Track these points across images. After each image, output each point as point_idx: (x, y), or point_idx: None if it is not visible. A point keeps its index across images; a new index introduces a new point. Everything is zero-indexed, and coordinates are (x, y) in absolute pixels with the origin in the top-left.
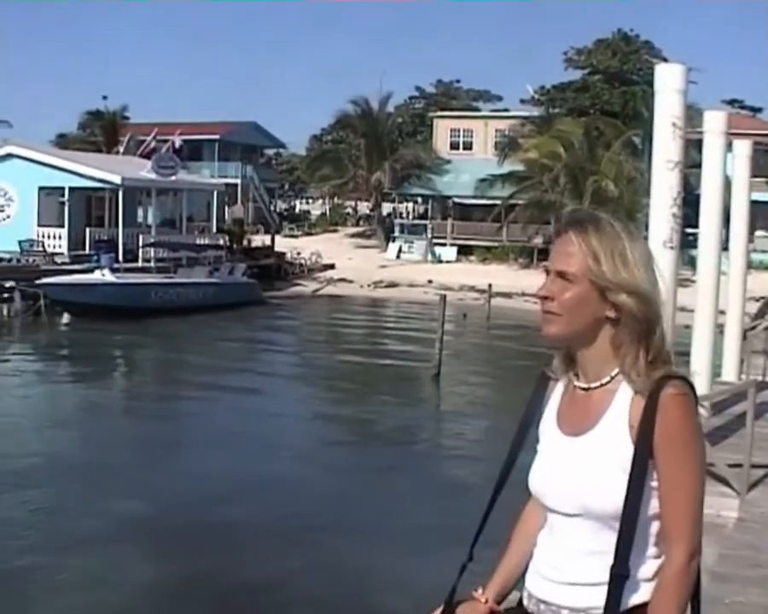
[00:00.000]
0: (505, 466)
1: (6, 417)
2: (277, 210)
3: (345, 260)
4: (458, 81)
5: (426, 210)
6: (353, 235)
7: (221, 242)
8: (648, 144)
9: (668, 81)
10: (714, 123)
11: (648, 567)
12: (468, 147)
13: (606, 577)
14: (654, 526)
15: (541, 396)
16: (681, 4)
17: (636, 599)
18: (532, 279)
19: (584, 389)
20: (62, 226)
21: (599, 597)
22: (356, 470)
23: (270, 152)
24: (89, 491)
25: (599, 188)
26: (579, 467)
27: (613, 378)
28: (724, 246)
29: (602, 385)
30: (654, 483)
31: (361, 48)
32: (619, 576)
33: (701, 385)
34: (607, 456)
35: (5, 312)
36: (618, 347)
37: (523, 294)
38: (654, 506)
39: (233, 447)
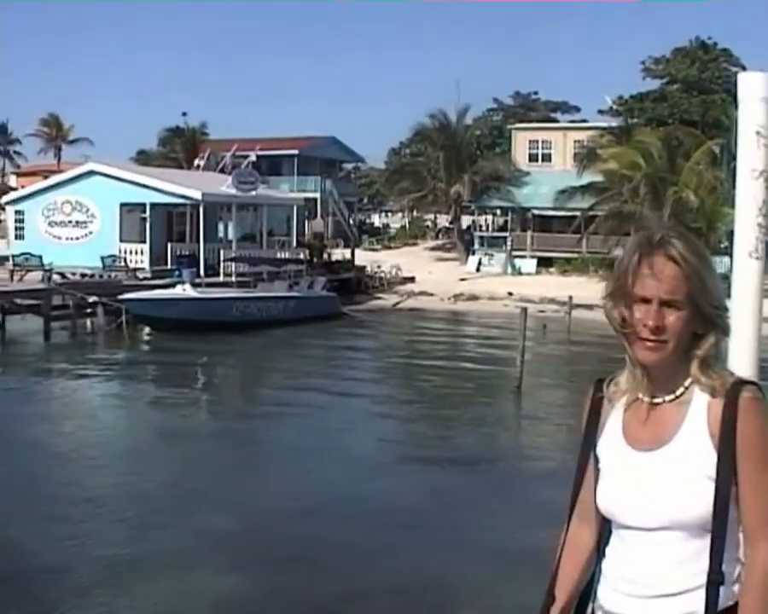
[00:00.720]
0: (574, 493)
1: (91, 429)
2: (356, 223)
3: (425, 273)
4: (536, 92)
5: (505, 222)
6: (433, 248)
7: (301, 256)
8: (728, 153)
9: (751, 89)
10: None
11: (735, 570)
12: (546, 158)
13: (689, 585)
14: (737, 530)
15: (597, 415)
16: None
17: (727, 602)
18: None
19: (655, 403)
20: (144, 242)
21: (684, 605)
22: (436, 483)
23: (349, 166)
24: (171, 504)
25: (679, 199)
26: (662, 481)
27: (686, 389)
28: None
29: (676, 398)
30: (734, 488)
31: (437, 60)
32: (716, 582)
33: None
34: (691, 466)
35: (88, 327)
36: (701, 359)
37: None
38: (736, 509)
39: (314, 460)
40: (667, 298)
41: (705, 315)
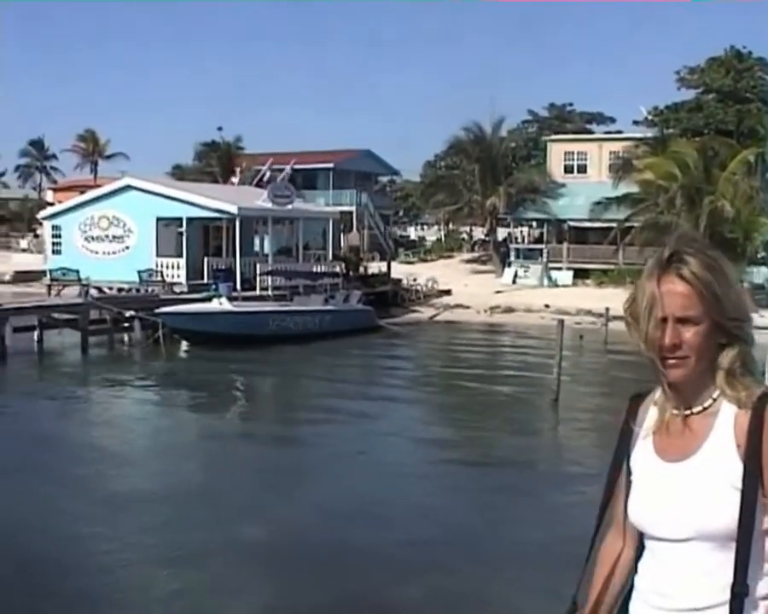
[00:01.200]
0: (603, 504)
1: (129, 443)
2: (392, 236)
3: (461, 286)
4: (571, 104)
5: (541, 234)
6: (469, 261)
7: (337, 270)
8: (763, 162)
9: None
10: None
11: (762, 584)
12: (582, 170)
13: (718, 598)
14: (763, 542)
15: (631, 428)
16: None
17: None
18: None
19: (684, 415)
20: (180, 256)
21: None
22: (474, 494)
23: (385, 179)
24: (207, 515)
25: (715, 209)
26: (690, 491)
27: (714, 400)
28: None
29: (704, 409)
30: (763, 500)
31: (471, 72)
32: (741, 595)
33: None
34: (717, 476)
35: (125, 341)
36: (725, 370)
37: None
38: (763, 521)
39: (351, 471)
40: (681, 316)
41: (723, 328)
